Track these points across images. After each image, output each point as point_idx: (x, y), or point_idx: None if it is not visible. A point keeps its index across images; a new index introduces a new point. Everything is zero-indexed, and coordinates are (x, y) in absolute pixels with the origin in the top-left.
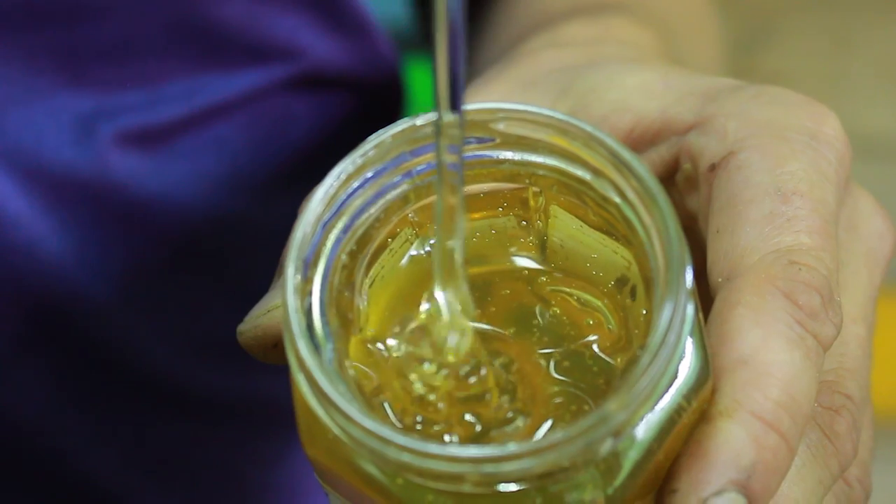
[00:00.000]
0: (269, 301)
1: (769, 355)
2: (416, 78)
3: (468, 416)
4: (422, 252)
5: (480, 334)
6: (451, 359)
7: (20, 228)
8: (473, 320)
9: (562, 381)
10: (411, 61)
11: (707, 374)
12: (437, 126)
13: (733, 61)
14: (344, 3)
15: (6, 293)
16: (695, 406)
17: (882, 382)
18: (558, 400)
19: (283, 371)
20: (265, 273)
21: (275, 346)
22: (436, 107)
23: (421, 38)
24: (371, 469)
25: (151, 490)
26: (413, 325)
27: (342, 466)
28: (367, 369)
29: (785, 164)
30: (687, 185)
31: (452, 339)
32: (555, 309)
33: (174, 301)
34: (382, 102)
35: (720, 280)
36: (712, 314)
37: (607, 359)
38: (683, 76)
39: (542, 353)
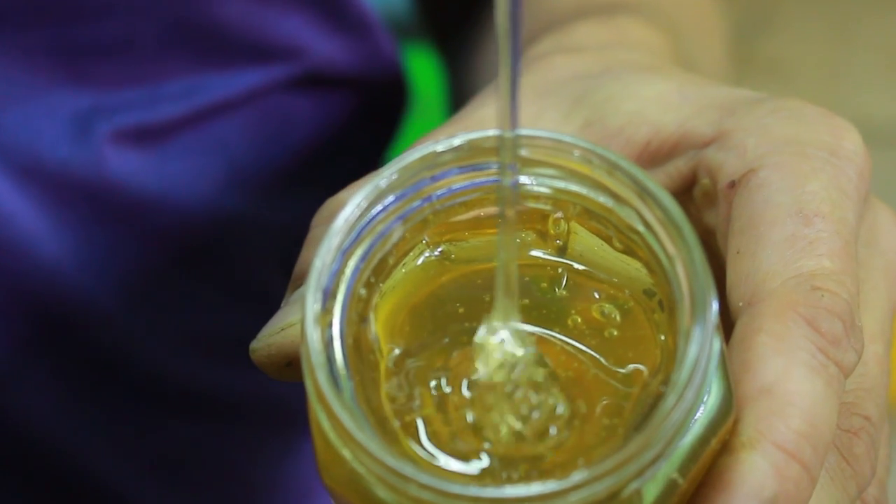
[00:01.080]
0: (282, 319)
1: (791, 384)
2: (417, 69)
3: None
4: (432, 257)
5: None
6: (500, 374)
7: (16, 227)
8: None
9: (599, 393)
10: (410, 52)
11: (730, 406)
12: (502, 143)
13: (733, 49)
14: (346, 2)
15: (3, 292)
16: (718, 437)
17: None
18: (598, 413)
19: None
20: (266, 273)
21: (288, 365)
22: (500, 126)
23: (420, 27)
24: (388, 497)
25: (156, 490)
26: (453, 341)
27: (360, 499)
28: (389, 393)
29: (806, 184)
30: (705, 201)
31: (513, 358)
32: (576, 317)
33: (175, 300)
34: (385, 102)
35: (741, 304)
36: (733, 340)
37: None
38: (700, 87)
39: (573, 366)
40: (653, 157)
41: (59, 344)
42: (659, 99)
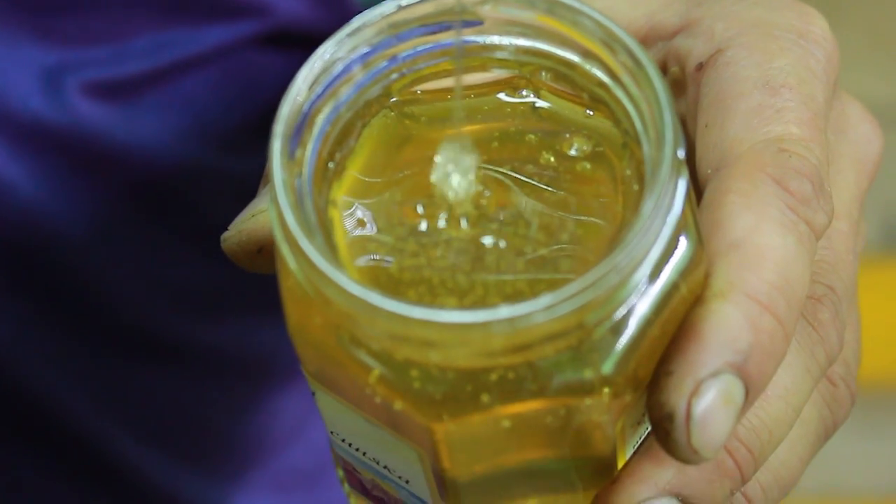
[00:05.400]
0: (254, 206)
1: (762, 238)
2: None
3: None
4: (399, 116)
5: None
6: (460, 203)
7: None
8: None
9: (564, 229)
10: None
11: (700, 254)
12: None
13: None
14: None
15: None
16: (689, 287)
17: (882, 351)
18: (560, 247)
19: (255, 322)
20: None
21: (259, 252)
22: None
23: None
24: (358, 350)
25: (122, 435)
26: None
27: (329, 347)
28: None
29: (773, 60)
30: (675, 90)
31: (464, 184)
32: (548, 156)
33: (146, 250)
34: None
35: (709, 171)
36: (703, 203)
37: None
38: None
39: (540, 197)
40: None
41: (32, 291)
42: None
